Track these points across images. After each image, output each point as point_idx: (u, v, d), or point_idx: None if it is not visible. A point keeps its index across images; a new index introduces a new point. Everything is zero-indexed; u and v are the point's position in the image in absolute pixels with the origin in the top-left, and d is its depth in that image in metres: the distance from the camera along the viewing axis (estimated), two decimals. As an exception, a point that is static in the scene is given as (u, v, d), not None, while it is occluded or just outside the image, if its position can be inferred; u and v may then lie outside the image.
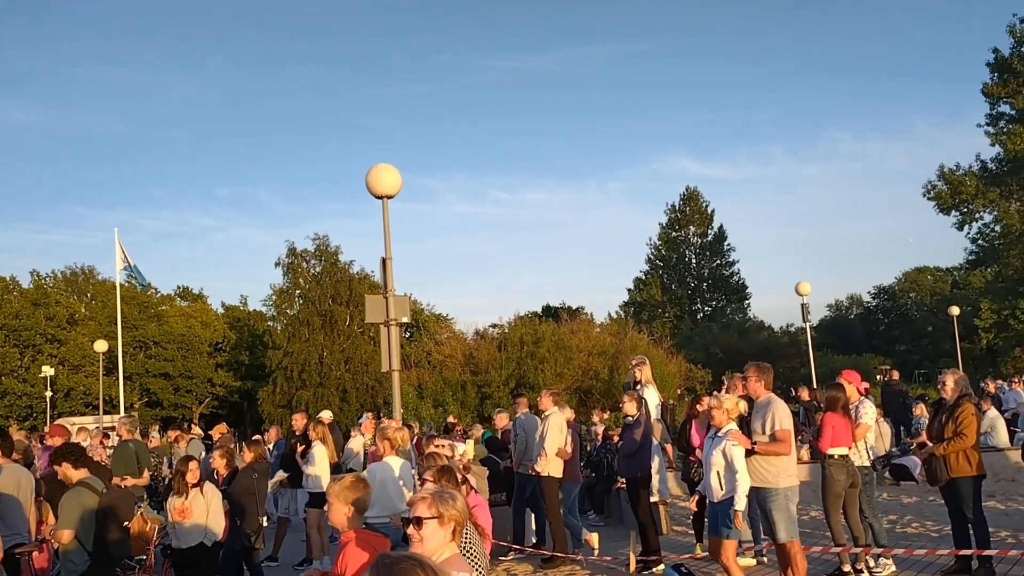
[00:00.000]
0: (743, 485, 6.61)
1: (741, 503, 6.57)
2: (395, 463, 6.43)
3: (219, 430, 12.94)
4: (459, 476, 5.47)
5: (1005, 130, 34.40)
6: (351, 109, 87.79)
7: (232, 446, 12.03)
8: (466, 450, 8.70)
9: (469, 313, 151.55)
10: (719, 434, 6.93)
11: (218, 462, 8.60)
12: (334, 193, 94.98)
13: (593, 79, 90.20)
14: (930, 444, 7.82)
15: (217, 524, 7.28)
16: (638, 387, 10.47)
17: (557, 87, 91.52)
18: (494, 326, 35.28)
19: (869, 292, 72.38)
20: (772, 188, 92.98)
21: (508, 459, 11.15)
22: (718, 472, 6.76)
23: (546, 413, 9.39)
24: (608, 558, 9.21)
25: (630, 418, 9.29)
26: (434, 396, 27.66)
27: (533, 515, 9.94)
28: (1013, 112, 34.95)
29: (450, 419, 15.17)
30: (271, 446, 13.17)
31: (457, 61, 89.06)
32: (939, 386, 8.08)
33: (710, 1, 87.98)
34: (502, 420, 13.27)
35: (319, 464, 9.57)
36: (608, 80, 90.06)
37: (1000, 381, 21.56)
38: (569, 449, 9.59)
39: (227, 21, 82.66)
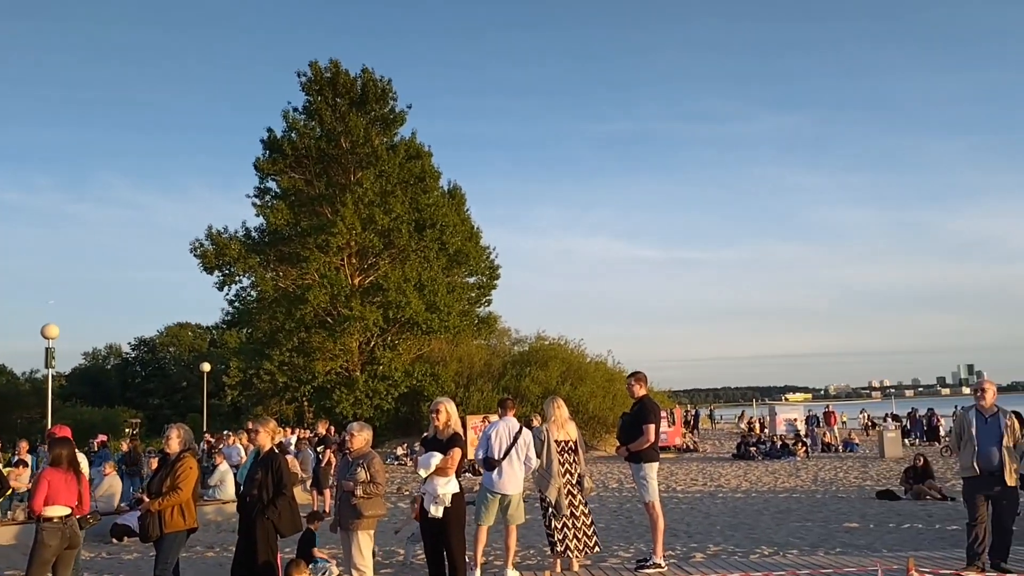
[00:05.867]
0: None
1: None
2: None
3: None
4: None
5: (270, 204, 37.63)
6: None
7: None
8: None
9: None
10: None
11: None
12: None
13: None
14: (147, 500, 7.50)
15: None
16: None
17: None
18: None
19: (129, 343, 71.17)
20: (34, 220, 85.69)
21: None
22: None
23: None
24: None
25: None
26: None
27: None
28: (278, 190, 38.58)
29: None
30: None
31: None
32: (164, 440, 7.86)
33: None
34: None
35: None
36: None
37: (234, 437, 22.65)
38: None
39: None
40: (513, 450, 8.43)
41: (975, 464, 8.03)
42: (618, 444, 9.31)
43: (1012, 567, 8.00)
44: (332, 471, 16.30)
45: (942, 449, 28.69)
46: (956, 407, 36.00)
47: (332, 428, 22.56)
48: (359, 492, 7.24)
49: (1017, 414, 9.32)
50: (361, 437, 7.65)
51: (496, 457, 8.36)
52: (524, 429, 8.82)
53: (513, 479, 8.42)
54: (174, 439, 7.67)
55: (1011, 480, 7.95)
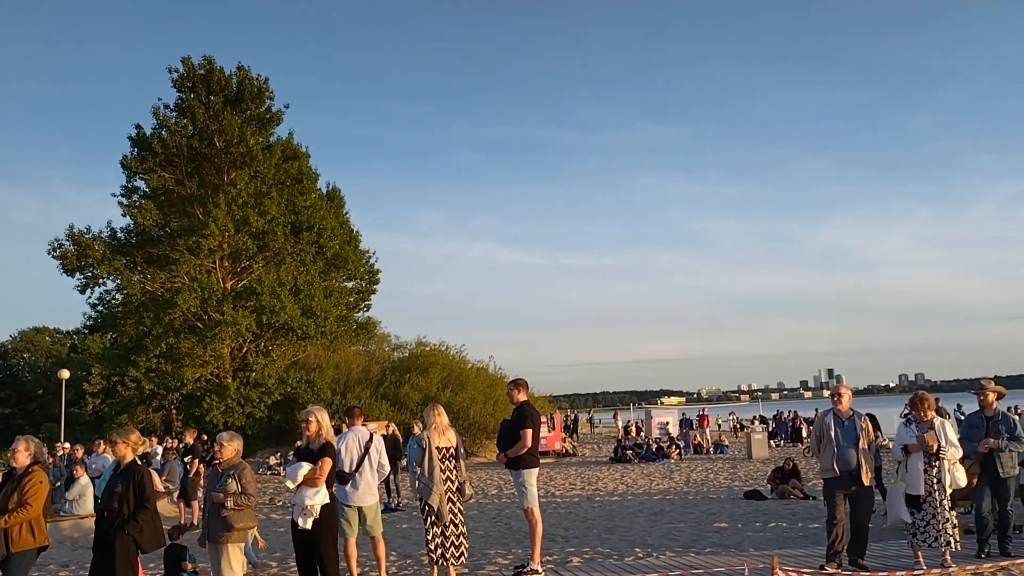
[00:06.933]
0: None
1: None
2: None
3: None
4: None
5: (137, 204, 35.88)
6: None
7: None
8: None
9: None
10: None
11: None
12: None
13: None
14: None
15: None
16: None
17: None
18: None
19: (-21, 350, 66.53)
20: None
21: None
22: None
23: None
24: None
25: None
26: None
27: None
28: (148, 189, 36.86)
29: None
30: None
31: None
32: (11, 453, 7.33)
33: None
34: None
35: None
36: None
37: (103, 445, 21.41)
38: None
39: None
40: (366, 460, 8.26)
41: (834, 465, 8.41)
42: (498, 451, 9.29)
43: (868, 563, 8.41)
44: (200, 482, 15.66)
45: (804, 450, 30.13)
46: (816, 410, 37.94)
47: (202, 437, 21.70)
48: (229, 504, 6.94)
49: (871, 417, 9.84)
50: (231, 447, 7.34)
51: (348, 470, 8.17)
52: (375, 436, 8.66)
53: (368, 490, 8.26)
54: (22, 452, 7.17)
55: (867, 480, 8.37)
